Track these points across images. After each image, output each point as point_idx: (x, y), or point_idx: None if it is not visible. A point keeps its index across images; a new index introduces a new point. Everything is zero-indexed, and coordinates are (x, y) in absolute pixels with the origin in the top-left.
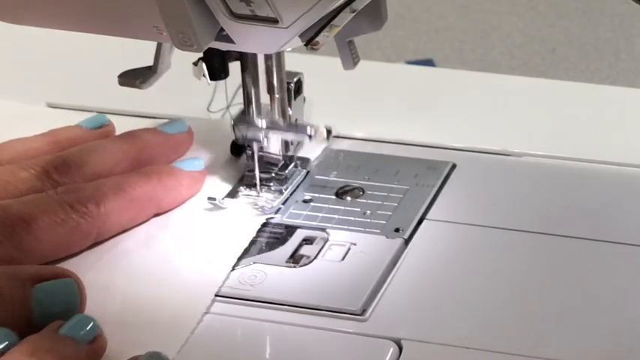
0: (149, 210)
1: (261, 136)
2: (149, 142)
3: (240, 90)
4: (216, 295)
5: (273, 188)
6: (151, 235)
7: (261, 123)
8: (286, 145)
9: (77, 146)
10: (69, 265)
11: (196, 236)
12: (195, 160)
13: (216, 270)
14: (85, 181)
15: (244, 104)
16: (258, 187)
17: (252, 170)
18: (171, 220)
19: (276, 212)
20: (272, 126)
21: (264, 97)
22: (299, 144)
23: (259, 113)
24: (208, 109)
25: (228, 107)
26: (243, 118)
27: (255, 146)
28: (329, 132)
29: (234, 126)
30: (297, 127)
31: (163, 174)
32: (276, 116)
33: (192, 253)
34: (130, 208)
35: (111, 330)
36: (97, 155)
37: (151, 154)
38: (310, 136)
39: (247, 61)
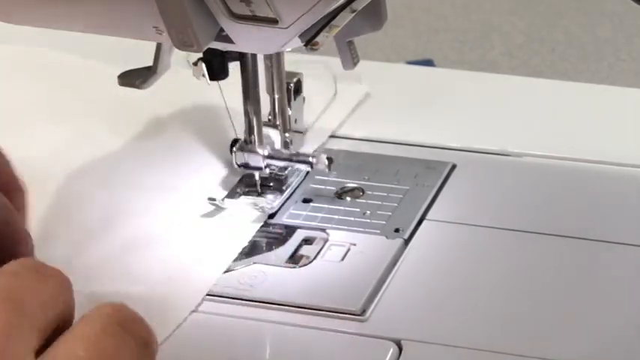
0: None
1: (262, 164)
2: None
3: None
4: (215, 296)
5: (273, 188)
6: (149, 235)
7: (263, 152)
8: (286, 144)
9: None
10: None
11: (196, 236)
12: None
13: (216, 270)
14: None
15: (246, 133)
16: (258, 187)
17: None
18: (170, 220)
19: (271, 217)
20: (274, 155)
21: (266, 95)
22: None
23: (261, 143)
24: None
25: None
26: (244, 146)
27: (257, 175)
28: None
29: (234, 153)
30: (299, 157)
31: None
32: (278, 145)
33: (192, 254)
34: None
35: None
36: None
37: None
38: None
39: (247, 61)
